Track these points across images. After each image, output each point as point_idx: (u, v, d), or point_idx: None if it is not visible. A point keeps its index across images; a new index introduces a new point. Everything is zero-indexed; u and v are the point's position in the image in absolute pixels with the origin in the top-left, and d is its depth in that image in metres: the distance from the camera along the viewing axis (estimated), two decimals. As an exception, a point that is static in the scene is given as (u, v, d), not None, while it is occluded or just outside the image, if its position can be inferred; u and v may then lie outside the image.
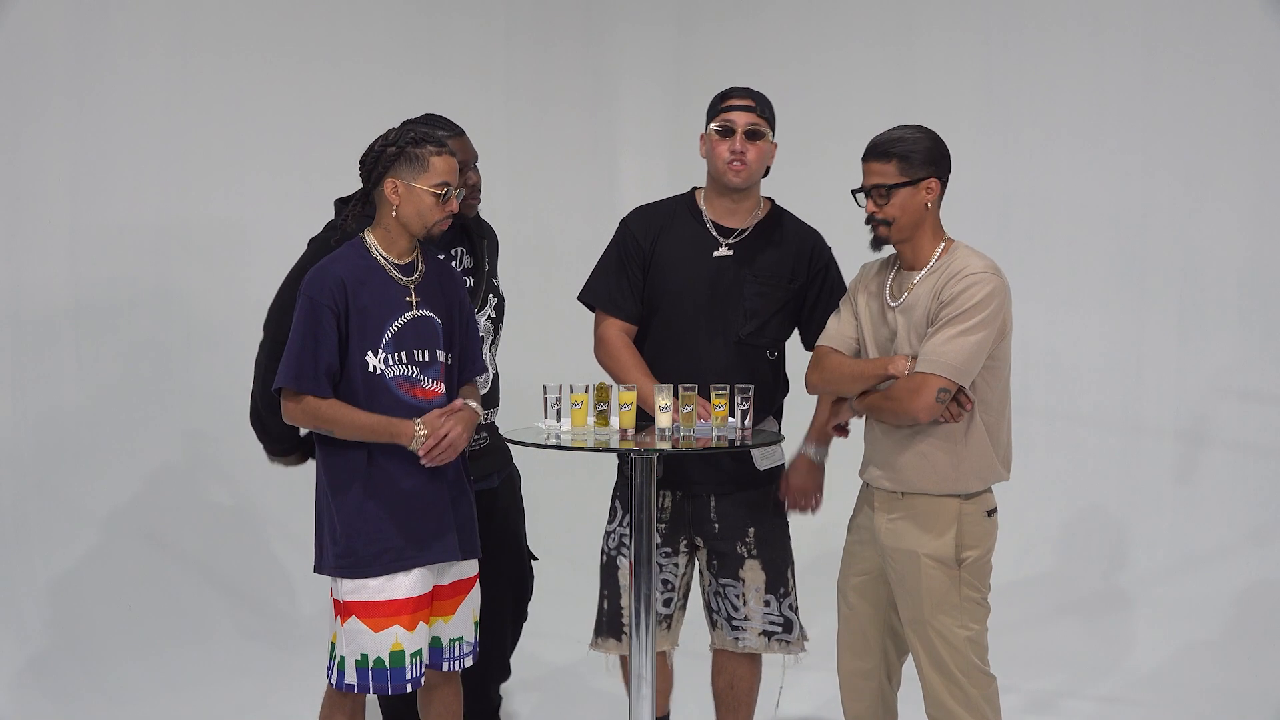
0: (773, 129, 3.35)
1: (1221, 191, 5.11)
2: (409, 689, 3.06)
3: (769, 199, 3.46)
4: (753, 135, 3.29)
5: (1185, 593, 5.02)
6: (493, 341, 3.60)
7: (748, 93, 3.34)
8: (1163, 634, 4.86)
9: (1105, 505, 5.32)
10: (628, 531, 3.37)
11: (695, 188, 3.47)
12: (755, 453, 3.32)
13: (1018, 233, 5.47)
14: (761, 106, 3.32)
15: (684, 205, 3.44)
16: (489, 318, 3.54)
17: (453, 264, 3.43)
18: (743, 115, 3.29)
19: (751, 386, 3.09)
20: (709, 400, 3.06)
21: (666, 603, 3.41)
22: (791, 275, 3.35)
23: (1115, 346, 5.33)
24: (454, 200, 3.05)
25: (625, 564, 3.39)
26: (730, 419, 3.07)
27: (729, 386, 3.05)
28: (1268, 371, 5.04)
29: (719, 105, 3.34)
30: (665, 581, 3.40)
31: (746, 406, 3.05)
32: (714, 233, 3.37)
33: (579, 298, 3.51)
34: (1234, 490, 5.08)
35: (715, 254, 3.34)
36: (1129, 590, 5.12)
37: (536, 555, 3.84)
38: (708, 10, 6.32)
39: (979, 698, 3.05)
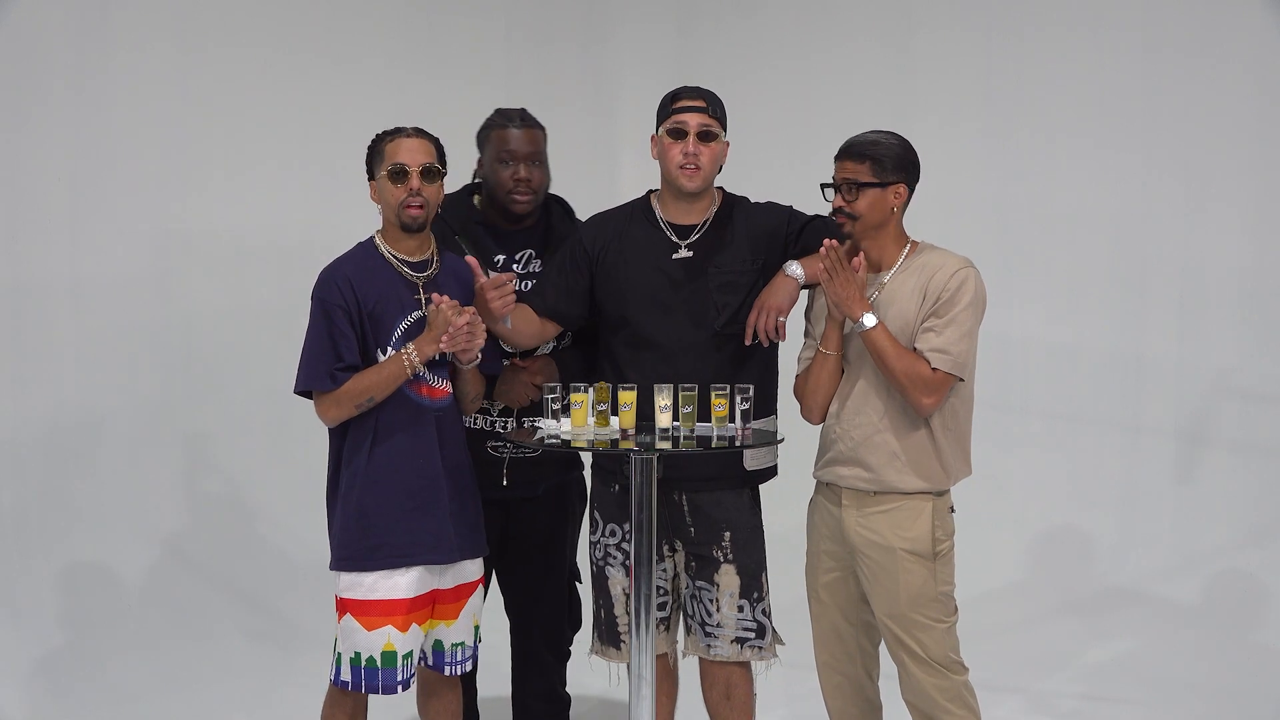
0: (725, 128, 3.28)
1: (1221, 191, 5.11)
2: (400, 690, 3.07)
3: (720, 189, 3.39)
4: (705, 137, 3.22)
5: (1185, 593, 5.02)
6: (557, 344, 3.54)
7: (699, 92, 3.26)
8: (1162, 634, 4.86)
9: (1105, 505, 5.32)
10: (613, 541, 3.37)
11: (650, 190, 3.40)
12: (745, 453, 3.27)
13: (1017, 233, 5.47)
14: (713, 106, 3.25)
15: (639, 209, 3.38)
16: None
17: (515, 267, 3.46)
18: (695, 117, 3.21)
19: (751, 386, 3.08)
20: (709, 400, 3.06)
21: (662, 606, 3.38)
22: (753, 257, 3.29)
23: (1115, 346, 5.32)
24: (414, 177, 3.02)
25: (614, 574, 3.37)
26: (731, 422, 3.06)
27: (729, 386, 3.05)
28: (1268, 371, 5.04)
29: (670, 106, 3.27)
30: (658, 587, 3.36)
31: (747, 406, 3.05)
32: (670, 234, 3.31)
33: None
34: (1234, 490, 5.08)
35: (675, 256, 3.29)
36: (1129, 590, 5.12)
37: (581, 577, 3.77)
38: (708, 10, 6.32)
39: (960, 684, 3.10)
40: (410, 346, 2.98)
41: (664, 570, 3.37)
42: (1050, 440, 5.45)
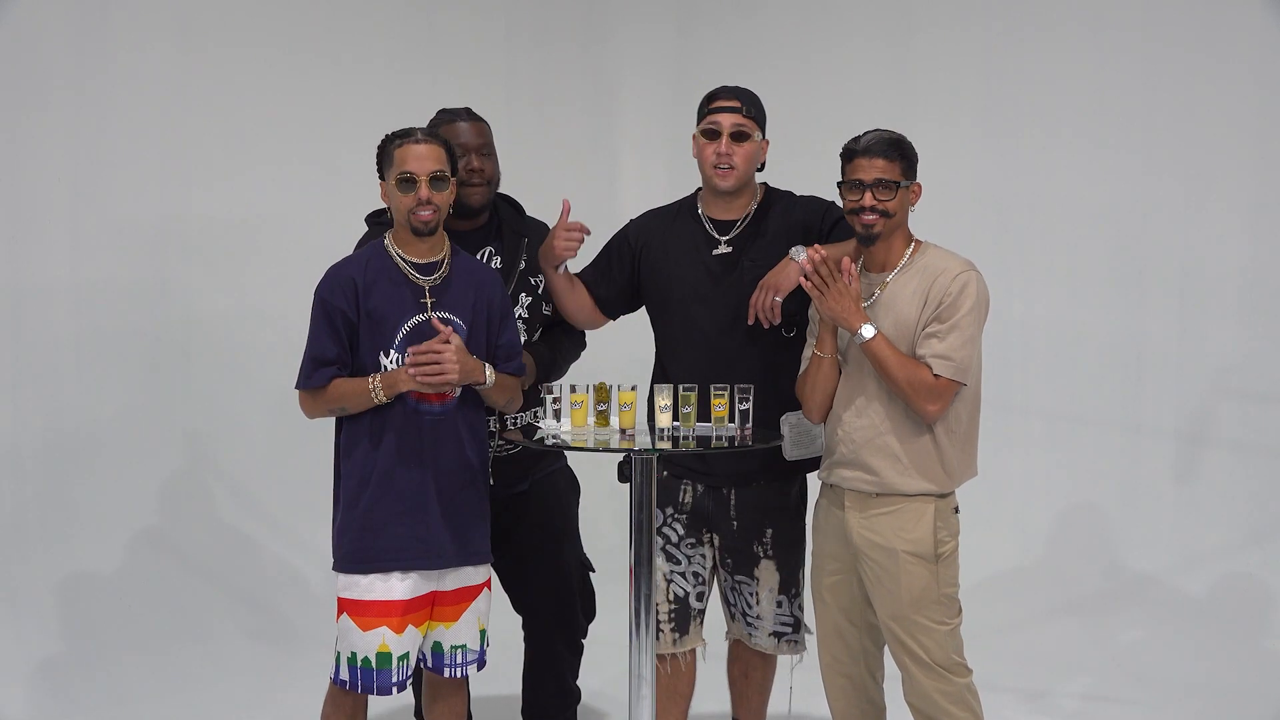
0: (762, 127, 3.31)
1: (1221, 191, 5.11)
2: (394, 691, 3.08)
3: (764, 184, 3.43)
4: (739, 137, 3.26)
5: (1184, 593, 5.02)
6: (526, 341, 3.54)
7: (735, 93, 3.30)
8: (1162, 634, 4.86)
9: (1105, 505, 5.32)
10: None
11: (699, 187, 3.46)
12: (786, 442, 3.24)
13: (1018, 232, 5.47)
14: (748, 106, 3.28)
15: (686, 206, 3.45)
16: (520, 317, 3.50)
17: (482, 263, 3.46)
18: (728, 117, 3.25)
19: (751, 387, 3.08)
20: (709, 400, 3.07)
21: (699, 596, 3.42)
22: (790, 249, 3.31)
23: (1115, 346, 5.33)
24: (423, 186, 3.03)
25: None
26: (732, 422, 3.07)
27: (729, 387, 3.05)
28: (1268, 371, 5.04)
29: (706, 107, 3.32)
30: (695, 574, 3.40)
31: (746, 406, 3.06)
32: (711, 230, 3.36)
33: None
34: (1234, 490, 5.07)
35: (715, 252, 3.34)
36: (1128, 590, 5.12)
37: (594, 567, 3.79)
38: (708, 10, 6.32)
39: (963, 687, 3.10)
40: (378, 379, 2.99)
41: (702, 556, 3.41)
42: (1050, 440, 5.45)
